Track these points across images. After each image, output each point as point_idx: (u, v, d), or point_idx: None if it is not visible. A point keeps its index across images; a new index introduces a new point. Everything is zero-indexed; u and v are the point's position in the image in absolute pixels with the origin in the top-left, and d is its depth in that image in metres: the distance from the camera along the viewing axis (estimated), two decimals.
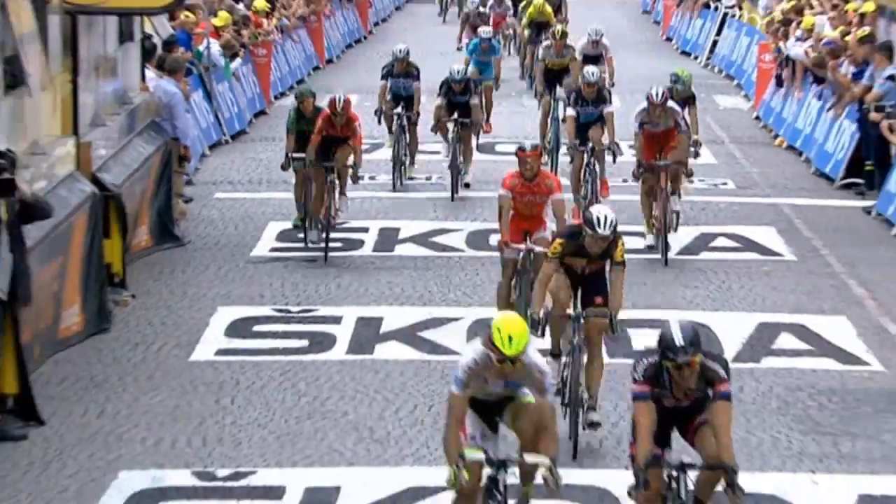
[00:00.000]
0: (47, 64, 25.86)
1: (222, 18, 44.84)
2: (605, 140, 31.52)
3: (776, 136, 42.96)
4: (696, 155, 31.48)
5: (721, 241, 30.73)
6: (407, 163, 36.42)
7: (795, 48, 43.55)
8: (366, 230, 33.13)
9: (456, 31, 59.55)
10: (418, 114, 35.01)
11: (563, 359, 21.60)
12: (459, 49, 51.47)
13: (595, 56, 39.11)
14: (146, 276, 28.83)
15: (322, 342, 24.67)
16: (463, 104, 34.10)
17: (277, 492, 19.27)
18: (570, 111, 29.14)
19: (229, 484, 19.53)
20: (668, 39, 66.26)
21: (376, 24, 68.04)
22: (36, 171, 23.84)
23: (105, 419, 21.84)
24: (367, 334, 25.36)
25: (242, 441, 20.83)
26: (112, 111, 30.03)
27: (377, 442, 20.57)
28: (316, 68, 55.33)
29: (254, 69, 46.54)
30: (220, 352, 24.60)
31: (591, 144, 30.49)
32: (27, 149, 24.03)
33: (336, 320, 25.32)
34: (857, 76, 37.49)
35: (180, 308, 27.04)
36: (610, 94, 29.78)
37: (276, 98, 49.10)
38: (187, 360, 24.47)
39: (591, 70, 30.40)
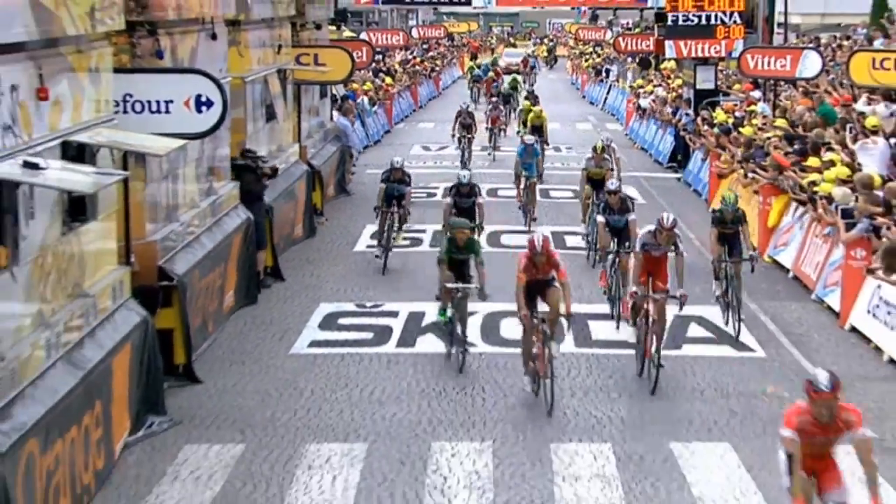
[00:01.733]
0: (286, 108, 25.94)
1: (369, 86, 44.84)
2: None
3: (634, 143, 42.79)
4: (752, 269, 18.90)
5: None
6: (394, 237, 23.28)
7: (644, 101, 43.45)
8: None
9: (481, 101, 52.79)
10: (409, 212, 23.43)
11: None
12: (453, 136, 36.06)
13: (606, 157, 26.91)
14: (332, 210, 28.79)
15: (417, 243, 24.72)
16: (468, 207, 21.71)
17: (395, 314, 19.16)
18: (600, 218, 19.82)
19: (371, 310, 19.58)
20: (583, 97, 65.82)
21: (444, 88, 67.63)
22: (280, 159, 23.99)
23: (312, 278, 21.95)
24: (439, 237, 24.92)
25: (378, 289, 20.93)
26: (316, 132, 30.11)
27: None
28: (414, 110, 54.77)
29: (384, 110, 46.38)
30: (368, 247, 24.60)
31: (616, 248, 19.65)
32: (276, 149, 24.17)
33: (423, 231, 25.32)
34: (674, 114, 37.45)
35: (348, 225, 26.94)
36: (633, 203, 20.20)
37: (395, 124, 47.99)
38: (352, 250, 24.47)
39: (611, 181, 20.60)
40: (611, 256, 19.54)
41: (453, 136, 36.11)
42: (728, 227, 18.61)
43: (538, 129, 34.04)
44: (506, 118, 41.13)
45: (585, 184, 24.85)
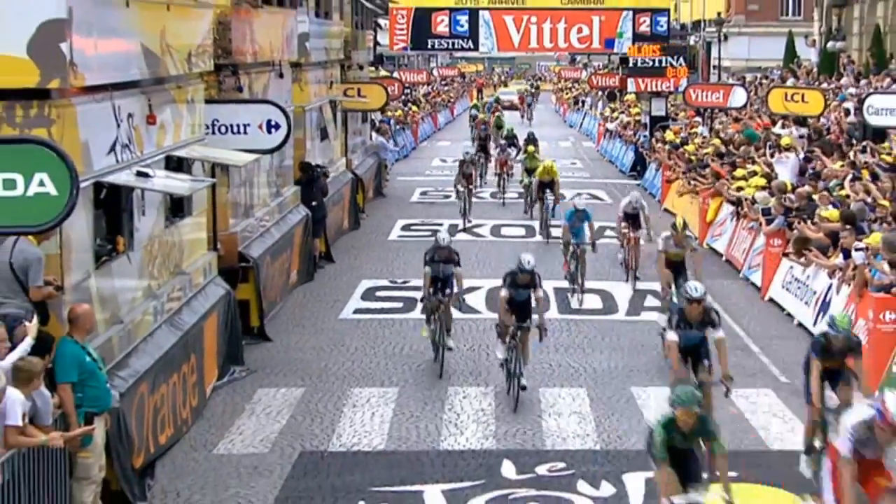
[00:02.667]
0: (336, 130, 25.89)
1: (401, 114, 44.71)
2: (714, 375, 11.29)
3: (603, 157, 42.61)
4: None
5: (586, 197, 30.28)
6: (445, 343, 14.43)
7: (611, 124, 43.22)
8: None
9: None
10: (462, 301, 15.12)
11: None
12: (456, 188, 26.10)
13: (634, 215, 19.10)
14: (372, 208, 28.61)
15: (436, 231, 24.63)
16: (524, 302, 13.33)
17: (418, 288, 18.22)
18: (672, 336, 10.94)
19: (400, 285, 19.45)
20: (564, 122, 65.48)
21: (457, 115, 67.12)
22: (332, 169, 23.94)
23: (357, 261, 21.88)
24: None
25: (407, 268, 20.86)
26: (359, 148, 30.02)
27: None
28: (434, 131, 54.30)
29: (411, 131, 46.23)
30: (399, 237, 24.53)
31: (697, 378, 11.12)
32: (328, 161, 24.11)
33: (440, 224, 25.19)
34: (634, 134, 37.32)
35: (384, 220, 26.75)
36: (718, 315, 11.29)
37: (420, 142, 47.47)
38: (387, 239, 24.33)
39: (693, 285, 11.25)
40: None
41: (455, 186, 26.19)
42: (834, 359, 10.40)
43: (549, 186, 23.83)
44: (513, 161, 31.05)
45: (664, 269, 15.58)
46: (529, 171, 26.54)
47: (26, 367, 8.43)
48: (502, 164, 30.51)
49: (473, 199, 26.61)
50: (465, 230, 23.69)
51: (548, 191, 23.98)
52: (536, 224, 24.66)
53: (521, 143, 32.12)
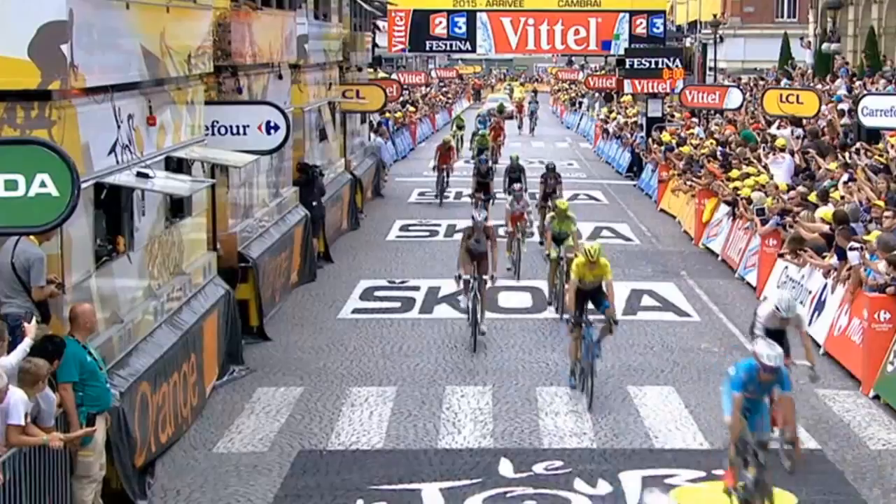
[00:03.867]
0: (335, 130, 25.87)
1: (400, 115, 44.69)
2: None
3: (600, 157, 42.62)
4: None
5: (583, 198, 30.40)
6: None
7: (610, 126, 43.26)
8: None
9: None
10: None
11: None
12: (458, 277, 15.25)
13: (780, 331, 10.65)
14: (370, 208, 28.60)
15: (434, 234, 24.64)
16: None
17: (416, 288, 18.99)
18: None
19: (398, 285, 19.42)
20: (562, 123, 65.48)
21: (455, 117, 67.17)
22: (331, 170, 23.95)
23: (356, 261, 21.84)
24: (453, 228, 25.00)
25: (405, 269, 20.88)
26: (358, 149, 30.01)
27: (451, 268, 20.41)
28: (432, 132, 54.27)
29: (409, 132, 46.22)
30: (397, 237, 24.54)
31: None
32: (327, 162, 24.11)
33: (438, 225, 25.20)
34: (631, 135, 37.34)
35: (382, 220, 26.74)
36: None
37: (418, 143, 47.40)
38: (385, 239, 24.31)
39: None
40: None
41: (458, 277, 15.51)
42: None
43: (594, 297, 13.18)
44: (530, 215, 20.62)
45: None
46: (558, 240, 17.26)
47: (32, 369, 8.46)
48: (515, 220, 19.84)
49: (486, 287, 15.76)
50: (474, 336, 15.14)
51: (589, 302, 13.27)
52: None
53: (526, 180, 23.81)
